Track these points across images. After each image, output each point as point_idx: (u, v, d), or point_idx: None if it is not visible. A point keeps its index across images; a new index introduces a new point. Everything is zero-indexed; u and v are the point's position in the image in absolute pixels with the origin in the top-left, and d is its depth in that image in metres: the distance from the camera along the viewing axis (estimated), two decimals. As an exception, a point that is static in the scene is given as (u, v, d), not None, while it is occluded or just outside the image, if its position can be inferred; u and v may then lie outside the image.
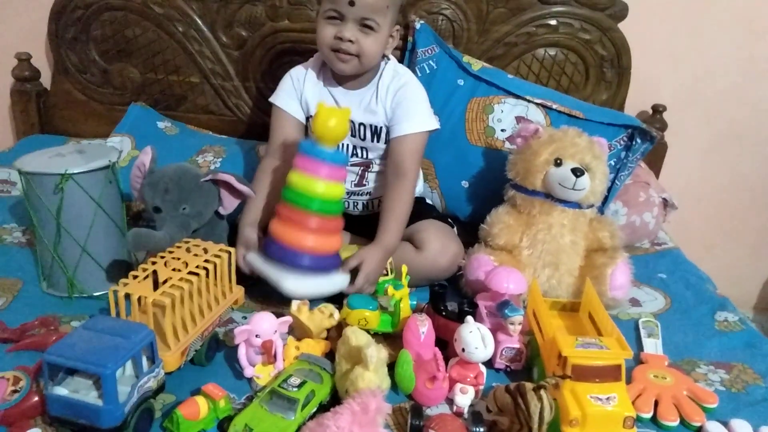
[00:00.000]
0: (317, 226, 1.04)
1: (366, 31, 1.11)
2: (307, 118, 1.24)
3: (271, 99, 1.25)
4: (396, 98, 1.19)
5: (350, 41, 1.10)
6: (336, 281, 1.07)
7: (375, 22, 1.10)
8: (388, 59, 1.23)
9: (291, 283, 1.03)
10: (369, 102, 1.20)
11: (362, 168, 1.26)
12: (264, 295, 1.11)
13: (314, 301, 1.03)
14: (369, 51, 1.13)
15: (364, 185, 1.28)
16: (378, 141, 1.23)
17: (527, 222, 1.18)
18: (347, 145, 1.23)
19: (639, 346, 1.06)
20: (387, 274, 1.11)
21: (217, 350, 0.97)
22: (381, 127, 1.21)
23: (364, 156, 1.25)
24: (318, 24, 1.14)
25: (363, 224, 1.28)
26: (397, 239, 1.15)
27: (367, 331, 0.96)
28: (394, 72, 1.22)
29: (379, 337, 0.98)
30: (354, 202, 1.30)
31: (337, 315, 1.00)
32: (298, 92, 1.23)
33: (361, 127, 1.21)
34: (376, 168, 1.27)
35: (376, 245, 1.12)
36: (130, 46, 1.63)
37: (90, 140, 1.57)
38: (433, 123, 1.22)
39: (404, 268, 1.05)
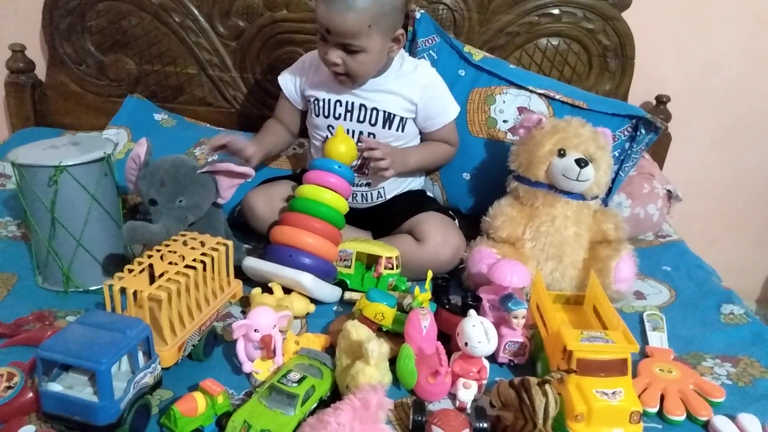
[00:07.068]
0: (321, 230, 1.08)
1: (351, 53, 1.11)
2: (303, 112, 1.25)
3: (280, 76, 1.30)
4: (426, 95, 1.21)
5: (335, 63, 1.11)
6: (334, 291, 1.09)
7: (356, 45, 1.09)
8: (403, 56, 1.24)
9: (308, 279, 1.03)
10: (382, 85, 1.20)
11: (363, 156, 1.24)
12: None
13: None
14: (357, 71, 1.14)
15: (365, 173, 1.25)
16: (390, 128, 1.21)
17: (530, 214, 1.17)
18: (352, 130, 1.22)
19: (644, 339, 1.05)
20: (392, 269, 1.10)
21: (215, 345, 0.95)
22: (394, 116, 1.20)
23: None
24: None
25: (363, 217, 1.26)
26: (417, 161, 1.24)
27: (380, 328, 0.95)
28: (413, 65, 1.23)
29: (380, 331, 0.96)
30: (353, 193, 1.28)
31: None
32: (302, 77, 1.26)
33: (374, 112, 1.20)
34: None
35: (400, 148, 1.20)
36: (125, 37, 1.61)
37: (86, 133, 1.55)
38: (457, 104, 1.29)
39: (429, 274, 1.04)
